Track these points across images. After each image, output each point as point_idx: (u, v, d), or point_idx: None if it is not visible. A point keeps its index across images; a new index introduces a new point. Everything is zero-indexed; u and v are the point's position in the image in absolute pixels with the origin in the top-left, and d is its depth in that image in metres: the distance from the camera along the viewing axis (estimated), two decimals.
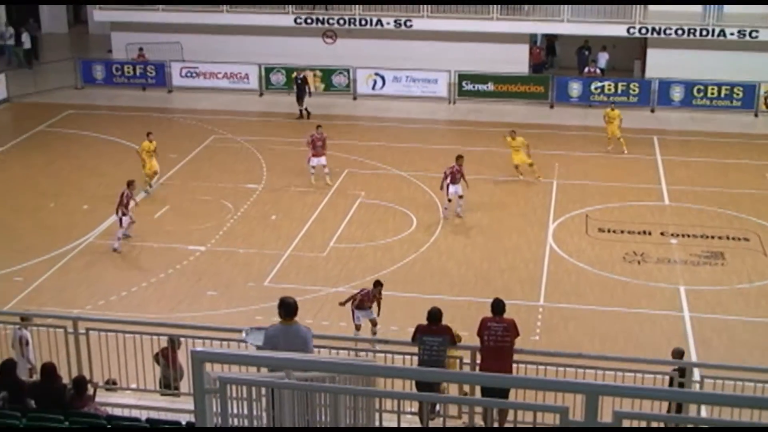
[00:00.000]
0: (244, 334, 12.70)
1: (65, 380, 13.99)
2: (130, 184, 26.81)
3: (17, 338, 17.81)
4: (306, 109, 37.85)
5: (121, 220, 26.40)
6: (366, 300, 21.75)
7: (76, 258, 26.06)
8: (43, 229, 27.73)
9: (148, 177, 30.19)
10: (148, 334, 16.00)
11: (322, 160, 30.58)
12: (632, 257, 26.05)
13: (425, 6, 40.30)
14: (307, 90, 37.92)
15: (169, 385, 16.45)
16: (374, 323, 21.77)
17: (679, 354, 16.60)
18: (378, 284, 21.95)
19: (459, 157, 28.23)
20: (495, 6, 39.94)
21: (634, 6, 39.08)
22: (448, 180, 27.92)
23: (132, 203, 26.71)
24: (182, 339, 15.26)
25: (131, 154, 32.72)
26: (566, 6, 39.49)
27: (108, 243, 26.80)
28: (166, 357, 16.70)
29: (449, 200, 28.23)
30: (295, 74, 38.39)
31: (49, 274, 25.12)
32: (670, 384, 14.67)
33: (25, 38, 44.98)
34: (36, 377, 15.82)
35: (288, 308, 12.19)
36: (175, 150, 33.46)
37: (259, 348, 12.15)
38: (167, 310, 23.19)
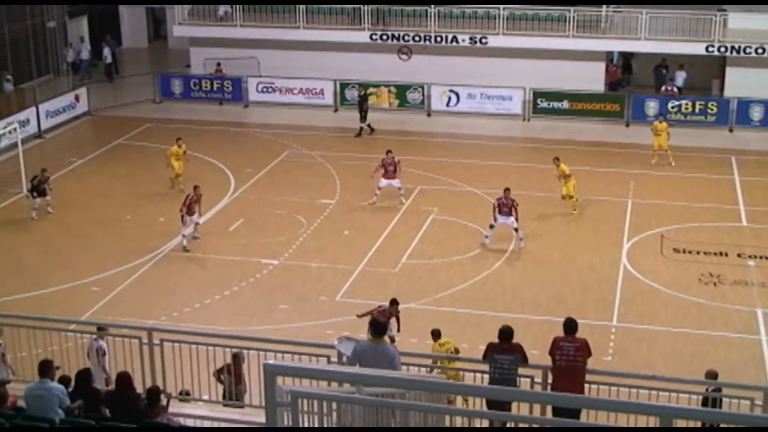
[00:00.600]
0: (336, 341, 13.03)
1: (139, 390, 14.17)
2: (196, 188, 27.69)
3: (94, 348, 18.12)
4: (369, 125, 38.01)
5: (182, 218, 27.44)
6: (381, 317, 21.60)
7: (152, 269, 26.44)
8: (120, 240, 28.19)
9: (175, 178, 31.74)
10: (221, 346, 16.16)
11: (394, 182, 30.54)
12: (708, 278, 25.67)
13: (501, 23, 40.24)
14: (366, 107, 38.10)
15: (238, 399, 16.60)
16: (392, 340, 21.46)
17: (713, 375, 16.35)
18: (394, 302, 21.99)
19: (506, 190, 27.76)
20: (571, 23, 39.73)
21: (713, 24, 38.60)
22: (497, 211, 27.61)
23: (196, 207, 27.60)
24: (254, 352, 15.36)
25: (208, 166, 33.15)
26: (644, 24, 39.13)
27: (183, 255, 27.16)
28: (231, 372, 16.83)
29: (491, 226, 27.63)
30: (357, 92, 38.47)
31: (126, 284, 25.52)
32: (704, 404, 14.46)
33: (107, 53, 45.84)
34: (111, 387, 16.06)
35: (377, 328, 12.88)
36: (250, 164, 33.81)
37: (345, 359, 12.51)
38: (240, 322, 23.40)
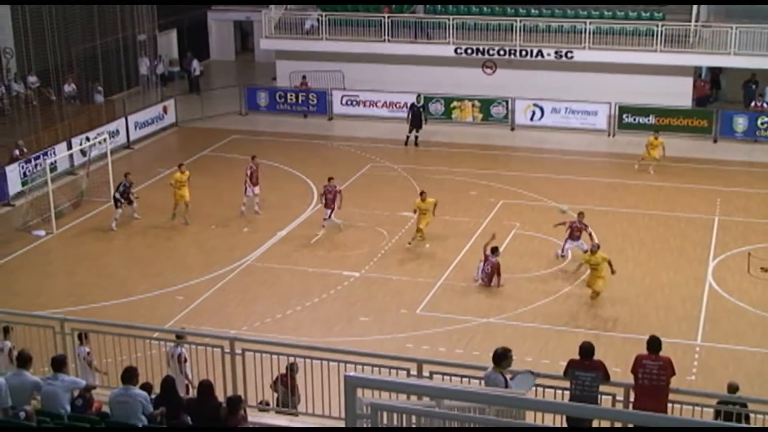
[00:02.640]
0: (509, 376, 13.17)
1: (220, 399, 14.32)
2: (254, 158, 31.22)
3: (174, 356, 18.39)
4: (416, 138, 38.00)
5: (245, 190, 30.29)
6: (575, 231, 26.30)
7: (235, 279, 26.73)
8: (204, 250, 28.57)
9: (180, 208, 30.26)
10: (302, 357, 16.25)
11: (327, 211, 29.33)
12: None
13: (587, 37, 39.94)
14: (423, 118, 38.10)
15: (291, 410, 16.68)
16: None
17: (734, 389, 15.97)
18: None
19: (580, 214, 27.41)
20: (658, 38, 39.27)
21: None
22: (568, 234, 27.19)
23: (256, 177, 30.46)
24: (334, 363, 15.42)
25: (292, 178, 33.46)
26: (733, 38, 38.52)
27: (266, 266, 27.44)
28: (285, 383, 16.89)
29: (562, 255, 27.27)
30: (414, 101, 38.51)
31: (209, 294, 25.83)
32: (716, 417, 14.14)
33: (195, 65, 46.58)
34: (193, 394, 16.27)
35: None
36: (333, 176, 33.98)
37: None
38: (321, 333, 23.52)
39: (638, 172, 34.40)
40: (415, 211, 28.75)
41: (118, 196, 30.27)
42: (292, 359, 16.72)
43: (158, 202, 31.77)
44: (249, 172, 30.64)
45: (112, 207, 30.58)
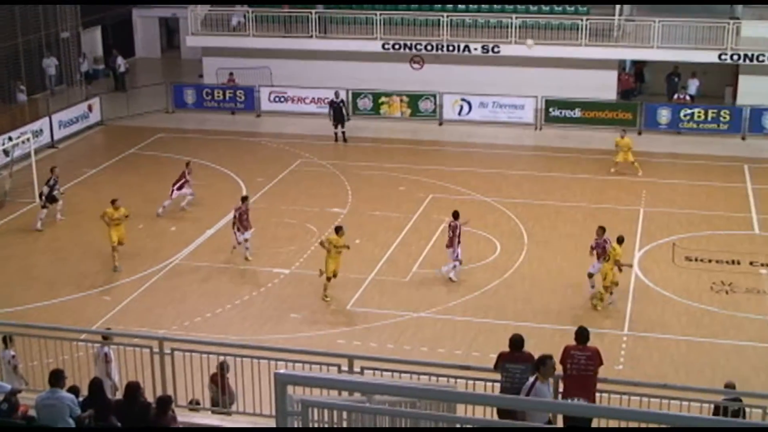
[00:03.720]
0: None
1: (150, 399, 14.17)
2: (244, 199, 27.88)
3: (100, 355, 18.17)
4: (343, 134, 38.10)
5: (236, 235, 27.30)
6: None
7: (163, 279, 26.49)
8: (131, 249, 28.22)
9: (114, 248, 27.06)
10: (232, 355, 16.16)
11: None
12: (720, 287, 25.58)
13: (513, 32, 40.24)
14: (345, 114, 38.20)
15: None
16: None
17: (731, 387, 16.29)
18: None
19: (600, 229, 25.18)
20: (583, 32, 39.71)
21: (725, 32, 38.54)
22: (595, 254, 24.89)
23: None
24: (264, 361, 15.35)
25: (220, 176, 33.26)
26: (656, 32, 39.10)
27: (194, 264, 27.23)
28: (216, 382, 16.80)
29: (590, 275, 25.10)
30: (333, 98, 38.52)
31: (137, 294, 25.56)
32: (717, 413, 14.39)
33: (120, 62, 46.00)
34: (119, 395, 16.08)
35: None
36: (262, 174, 33.88)
37: None
38: (251, 332, 23.41)
39: (613, 173, 34.04)
40: (323, 246, 25.00)
41: (47, 191, 29.80)
42: (222, 358, 16.62)
43: (83, 202, 31.34)
44: (237, 213, 27.39)
45: (38, 207, 30.09)
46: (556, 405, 12.53)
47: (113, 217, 26.85)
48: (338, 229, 25.09)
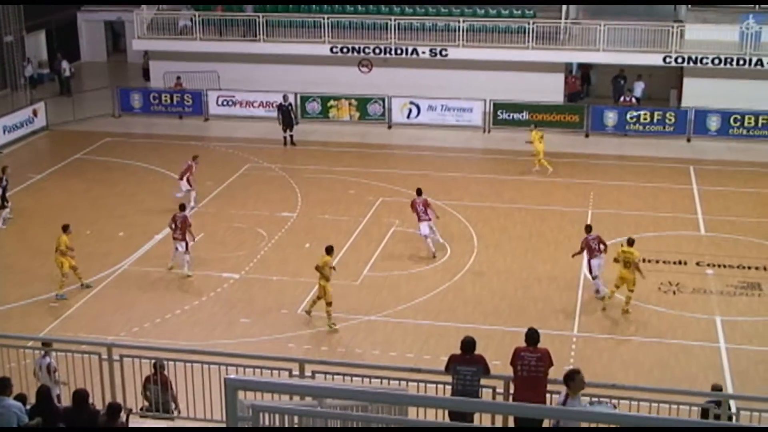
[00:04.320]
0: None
1: (98, 406, 14.03)
2: (182, 207, 27.41)
3: (43, 366, 17.81)
4: (291, 137, 38.13)
5: (186, 245, 26.61)
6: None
7: (111, 285, 26.23)
8: (79, 255, 27.88)
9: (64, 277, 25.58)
10: (182, 361, 16.05)
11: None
12: (667, 287, 25.85)
13: (460, 35, 40.41)
14: (294, 117, 38.25)
15: (167, 409, 16.45)
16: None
17: (718, 390, 16.51)
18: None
19: (588, 227, 25.89)
20: (530, 35, 39.97)
21: (670, 35, 38.97)
22: (585, 253, 25.31)
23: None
24: (215, 366, 15.26)
25: (168, 181, 33.02)
26: (602, 35, 39.45)
27: (143, 270, 27.00)
28: (156, 381, 16.64)
29: (594, 277, 25.44)
30: (281, 101, 38.48)
31: (84, 300, 25.29)
32: (705, 416, 14.51)
33: (65, 66, 45.52)
34: (64, 403, 15.89)
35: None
36: (211, 177, 33.67)
37: None
38: (201, 337, 23.26)
39: (536, 171, 34.53)
40: (320, 270, 23.80)
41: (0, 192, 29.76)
42: (153, 361, 16.54)
43: (29, 208, 30.96)
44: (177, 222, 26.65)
45: None
46: (505, 406, 12.58)
47: (69, 246, 25.44)
48: (329, 250, 23.96)
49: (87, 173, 35.19)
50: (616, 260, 24.56)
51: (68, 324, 23.91)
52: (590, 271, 25.71)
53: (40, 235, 29.31)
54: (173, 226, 26.69)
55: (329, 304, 23.70)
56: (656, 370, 21.88)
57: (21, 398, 13.71)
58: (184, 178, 31.21)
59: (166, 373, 16.69)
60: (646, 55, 39.48)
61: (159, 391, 16.60)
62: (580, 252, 25.46)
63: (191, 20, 42.53)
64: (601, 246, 25.20)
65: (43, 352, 17.98)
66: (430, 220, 27.55)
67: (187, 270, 26.66)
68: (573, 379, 13.16)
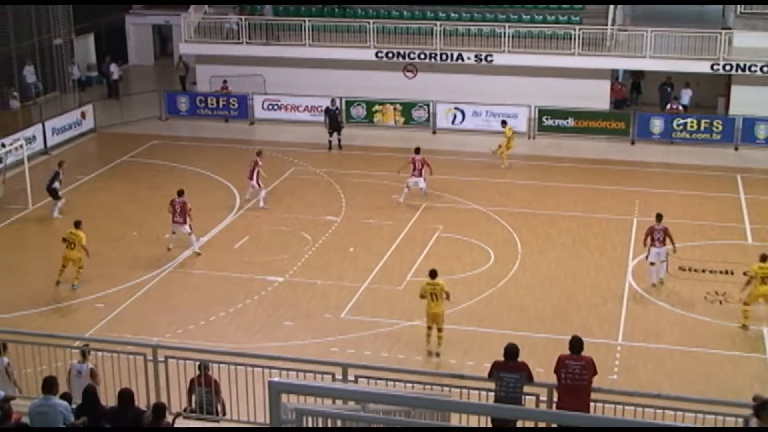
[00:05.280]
0: None
1: (142, 407, 14.13)
2: (180, 193, 28.28)
3: (82, 372, 17.92)
4: (339, 141, 38.22)
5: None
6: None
7: (157, 286, 26.44)
8: (125, 257, 28.20)
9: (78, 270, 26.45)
10: (226, 363, 16.14)
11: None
12: (714, 297, 25.61)
13: (506, 41, 40.33)
14: (341, 120, 38.35)
15: (212, 410, 16.53)
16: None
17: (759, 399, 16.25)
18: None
19: (658, 216, 26.36)
20: (576, 41, 39.80)
21: (718, 42, 38.63)
22: (648, 240, 25.99)
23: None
24: (258, 369, 15.32)
25: (214, 183, 33.23)
26: (649, 42, 39.19)
27: (188, 272, 27.20)
28: (203, 383, 16.73)
29: (651, 264, 26.15)
30: (329, 105, 38.59)
31: (131, 301, 25.51)
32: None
33: (113, 69, 45.96)
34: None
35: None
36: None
37: None
38: (245, 339, 23.38)
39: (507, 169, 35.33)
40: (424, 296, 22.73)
41: (57, 185, 30.58)
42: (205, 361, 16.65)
43: (76, 209, 31.26)
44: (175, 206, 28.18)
45: (51, 201, 31.05)
46: (548, 414, 12.53)
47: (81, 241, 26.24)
48: (433, 273, 22.90)
49: (133, 175, 35.51)
50: (750, 276, 24.08)
51: (114, 325, 24.12)
52: (647, 257, 26.13)
53: (87, 236, 29.58)
54: (173, 210, 27.96)
55: (430, 328, 22.90)
56: (701, 381, 21.68)
57: (67, 397, 13.85)
58: (254, 178, 31.52)
59: (210, 374, 16.80)
60: (694, 63, 39.15)
61: (204, 393, 16.71)
62: (645, 239, 26.03)
63: (237, 24, 42.79)
64: (666, 239, 25.67)
65: (80, 358, 18.08)
66: (422, 177, 31.56)
67: (197, 248, 28.08)
68: (765, 409, 12.85)
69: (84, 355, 18.11)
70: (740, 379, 21.78)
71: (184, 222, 27.92)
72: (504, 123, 36.87)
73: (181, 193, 28.33)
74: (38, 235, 30.09)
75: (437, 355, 22.63)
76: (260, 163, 31.84)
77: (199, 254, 28.16)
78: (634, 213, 31.32)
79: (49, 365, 16.28)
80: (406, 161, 32.19)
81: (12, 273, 27.44)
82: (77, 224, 26.57)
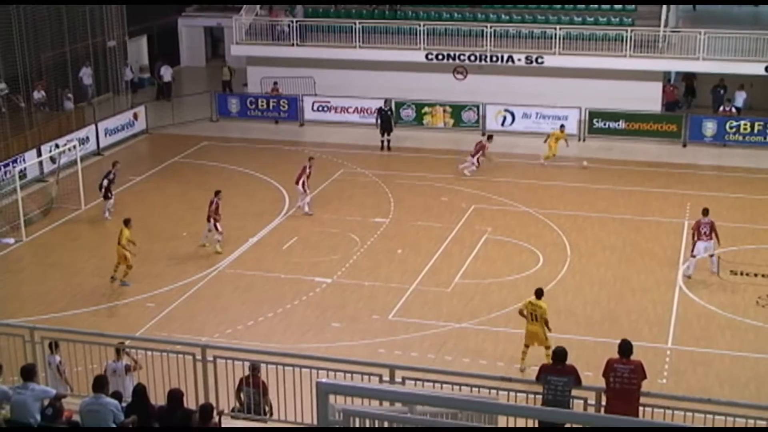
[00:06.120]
0: None
1: (191, 406, 14.25)
2: (216, 193, 28.84)
3: (117, 371, 18.06)
4: (389, 142, 38.26)
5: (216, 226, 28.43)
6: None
7: (206, 286, 26.63)
8: (175, 257, 28.44)
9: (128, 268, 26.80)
10: (274, 363, 16.22)
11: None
12: (765, 301, 25.29)
13: (557, 42, 40.14)
14: (393, 121, 38.34)
15: (259, 411, 16.61)
16: None
17: None
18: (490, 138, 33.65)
19: (704, 210, 26.72)
20: (628, 43, 39.51)
21: None
22: (695, 236, 26.42)
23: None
24: (306, 370, 15.37)
25: (263, 184, 33.40)
26: (702, 43, 38.80)
27: (237, 272, 27.37)
28: (253, 384, 16.82)
29: (693, 256, 26.54)
30: (381, 106, 38.62)
31: (180, 301, 25.72)
32: None
33: (165, 71, 46.36)
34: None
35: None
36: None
37: None
38: (293, 340, 23.47)
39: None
40: (522, 314, 22.08)
41: (106, 183, 31.01)
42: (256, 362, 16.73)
43: (128, 209, 31.57)
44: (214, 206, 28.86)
45: (102, 201, 31.44)
46: (597, 418, 12.44)
47: (130, 239, 26.80)
48: (539, 293, 22.04)
49: (184, 176, 35.80)
50: None
51: (163, 324, 24.34)
52: (692, 251, 26.44)
53: (137, 235, 29.88)
54: (212, 207, 28.60)
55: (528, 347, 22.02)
56: (753, 385, 21.42)
57: (117, 396, 14.00)
58: (300, 182, 31.39)
59: (259, 375, 16.89)
60: (748, 65, 38.71)
61: (252, 393, 16.81)
62: (693, 234, 26.49)
63: (288, 26, 43.00)
64: (713, 234, 26.02)
65: (114, 357, 18.24)
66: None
67: (218, 247, 28.40)
68: None
69: (118, 353, 18.26)
70: None
71: (209, 220, 28.45)
72: (562, 127, 36.96)
73: (217, 193, 28.85)
74: (90, 234, 30.45)
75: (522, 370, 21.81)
76: (308, 170, 31.69)
77: (219, 252, 28.40)
78: (686, 216, 31.00)
79: (100, 364, 16.48)
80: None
81: (64, 272, 27.78)
82: (126, 222, 26.99)
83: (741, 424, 14.03)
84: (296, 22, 42.80)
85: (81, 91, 43.23)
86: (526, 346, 21.89)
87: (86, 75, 44.02)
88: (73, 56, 43.05)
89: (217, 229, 28.45)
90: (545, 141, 36.23)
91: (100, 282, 26.91)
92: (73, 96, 41.55)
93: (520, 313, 22.17)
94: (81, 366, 17.32)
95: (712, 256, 26.52)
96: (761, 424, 14.14)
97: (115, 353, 18.28)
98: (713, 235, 26.24)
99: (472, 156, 34.76)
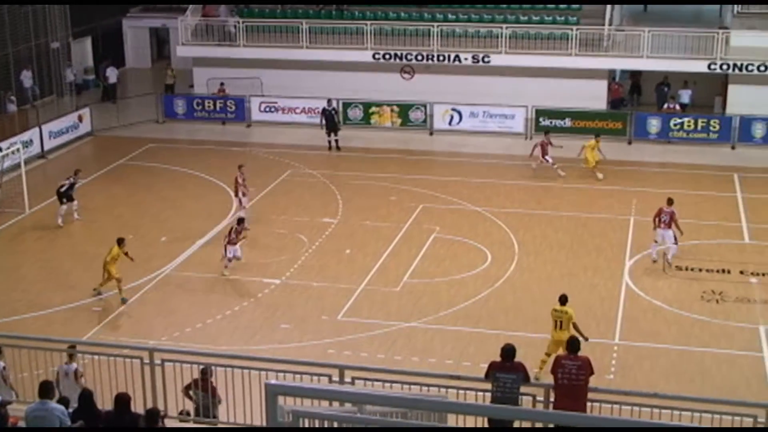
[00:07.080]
0: None
1: (139, 410, 14.13)
2: (240, 221, 27.54)
3: (69, 373, 17.89)
4: (336, 142, 38.25)
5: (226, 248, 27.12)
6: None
7: (153, 290, 26.42)
8: (122, 260, 28.15)
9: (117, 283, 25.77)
10: (223, 365, 16.14)
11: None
12: (710, 296, 25.62)
13: (503, 42, 40.35)
14: (337, 121, 38.35)
15: (209, 414, 16.52)
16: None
17: None
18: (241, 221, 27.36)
19: (669, 200, 27.52)
20: (573, 42, 39.82)
21: (715, 42, 38.66)
22: (659, 224, 27.14)
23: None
24: (255, 372, 15.31)
25: (211, 186, 33.20)
26: (646, 42, 39.21)
27: (184, 275, 27.18)
28: (202, 388, 16.75)
29: (655, 242, 27.47)
30: (325, 105, 38.56)
31: (127, 305, 25.48)
32: None
33: (110, 73, 45.92)
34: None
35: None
36: (252, 183, 33.73)
37: None
38: (241, 342, 23.37)
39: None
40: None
41: (63, 190, 30.36)
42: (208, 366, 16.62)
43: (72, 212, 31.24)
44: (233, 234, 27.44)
45: (56, 204, 30.77)
46: (547, 415, 12.52)
47: (114, 257, 25.65)
48: (563, 299, 21.52)
49: (131, 178, 35.49)
50: None
51: (110, 328, 24.11)
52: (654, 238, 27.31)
53: (82, 239, 29.65)
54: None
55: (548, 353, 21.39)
56: (698, 380, 21.69)
57: (63, 402, 13.84)
58: (238, 195, 30.54)
59: (211, 379, 16.78)
60: (691, 62, 39.19)
61: (201, 396, 16.70)
62: (654, 220, 27.23)
63: (235, 27, 42.80)
64: (672, 223, 26.81)
65: (67, 359, 18.06)
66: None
67: (225, 271, 27.25)
68: None
69: (71, 356, 18.07)
70: (737, 377, 21.79)
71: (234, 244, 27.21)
72: (598, 136, 35.56)
73: (240, 220, 27.74)
74: (35, 239, 30.08)
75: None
76: (240, 178, 30.44)
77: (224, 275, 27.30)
78: (632, 212, 31.33)
79: (46, 369, 16.29)
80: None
81: (8, 277, 27.41)
82: (119, 241, 25.88)
83: (687, 418, 14.20)
84: (242, 22, 42.61)
85: (21, 94, 42.67)
86: (547, 354, 20.88)
87: (26, 78, 43.47)
88: (16, 58, 42.54)
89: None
90: (579, 155, 34.83)
91: (45, 286, 26.60)
92: (15, 98, 41.02)
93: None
94: (26, 372, 17.10)
95: (674, 244, 26.99)
96: (706, 417, 14.31)
97: (68, 356, 18.10)
98: (672, 224, 26.76)
99: (542, 156, 34.51)
